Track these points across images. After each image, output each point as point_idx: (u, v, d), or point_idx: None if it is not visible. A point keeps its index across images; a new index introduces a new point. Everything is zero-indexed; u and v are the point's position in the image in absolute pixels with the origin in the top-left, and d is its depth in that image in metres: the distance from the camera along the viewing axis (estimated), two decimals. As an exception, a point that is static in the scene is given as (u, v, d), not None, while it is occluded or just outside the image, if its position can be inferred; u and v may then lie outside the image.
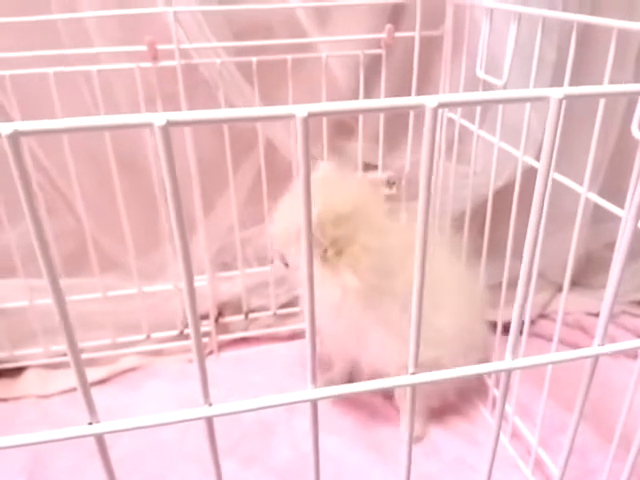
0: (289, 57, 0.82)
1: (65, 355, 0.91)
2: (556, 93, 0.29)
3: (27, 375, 0.90)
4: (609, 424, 0.59)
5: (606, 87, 0.31)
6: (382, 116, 0.87)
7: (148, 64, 0.79)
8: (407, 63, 0.84)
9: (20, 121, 0.25)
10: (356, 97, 0.87)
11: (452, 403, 0.82)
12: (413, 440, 0.38)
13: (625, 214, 0.53)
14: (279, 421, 0.81)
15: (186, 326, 0.95)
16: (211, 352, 0.96)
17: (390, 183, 0.77)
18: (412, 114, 0.87)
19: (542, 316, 1.00)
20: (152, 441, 0.77)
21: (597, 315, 0.99)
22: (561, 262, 0.66)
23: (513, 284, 0.70)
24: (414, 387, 0.35)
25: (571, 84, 0.59)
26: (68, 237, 0.90)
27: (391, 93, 0.86)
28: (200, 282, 0.92)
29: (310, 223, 0.29)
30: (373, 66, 0.87)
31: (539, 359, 0.37)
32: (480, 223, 0.79)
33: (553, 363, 0.38)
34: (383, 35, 0.83)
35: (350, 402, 0.84)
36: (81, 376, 0.30)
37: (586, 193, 0.59)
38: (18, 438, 0.30)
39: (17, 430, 0.32)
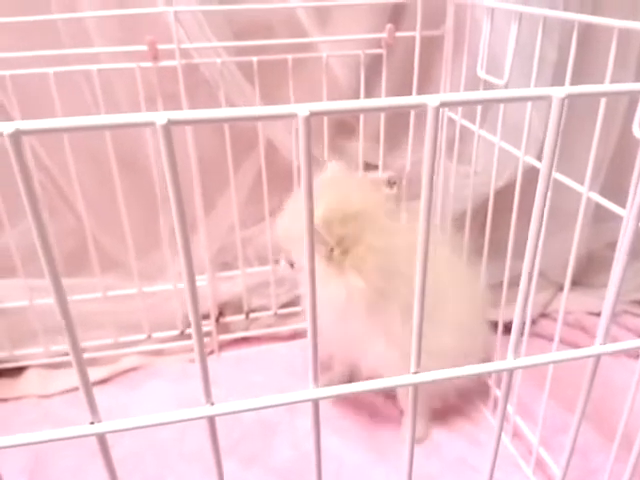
0: (290, 57, 0.82)
1: (65, 355, 0.91)
2: (558, 92, 0.29)
3: (27, 375, 0.90)
4: (611, 424, 0.59)
5: (608, 86, 0.31)
6: (383, 116, 0.87)
7: (149, 64, 0.79)
8: (408, 63, 0.84)
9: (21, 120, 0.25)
10: (357, 97, 0.87)
11: (454, 404, 0.82)
12: (415, 440, 0.38)
13: (626, 213, 0.53)
14: (280, 421, 0.81)
15: (187, 326, 0.95)
16: (212, 352, 0.96)
17: (391, 183, 0.77)
18: (413, 114, 0.87)
19: (543, 315, 1.00)
20: (152, 441, 0.77)
21: (598, 315, 0.99)
22: (562, 261, 0.66)
23: (513, 283, 0.71)
24: (416, 386, 0.35)
25: (572, 84, 0.59)
26: (68, 237, 0.90)
27: (392, 93, 0.86)
28: (201, 282, 0.93)
29: (312, 222, 0.29)
30: (374, 66, 0.87)
31: (541, 358, 0.37)
32: (481, 223, 0.79)
33: (555, 362, 0.38)
34: (384, 35, 0.83)
35: (351, 402, 0.84)
36: (83, 375, 0.30)
37: (587, 193, 0.59)
38: (20, 437, 0.30)
39: (18, 430, 0.32)
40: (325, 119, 0.86)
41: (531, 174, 0.67)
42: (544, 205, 0.32)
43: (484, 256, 0.76)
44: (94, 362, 0.91)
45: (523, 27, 0.66)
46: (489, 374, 0.80)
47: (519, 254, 0.67)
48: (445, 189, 0.88)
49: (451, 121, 0.84)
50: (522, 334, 0.37)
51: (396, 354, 0.64)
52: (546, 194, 0.31)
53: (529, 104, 0.66)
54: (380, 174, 0.90)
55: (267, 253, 0.95)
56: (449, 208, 0.87)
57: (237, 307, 0.99)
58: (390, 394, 0.83)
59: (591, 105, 0.55)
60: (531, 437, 0.73)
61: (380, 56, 0.85)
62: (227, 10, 0.82)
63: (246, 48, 0.82)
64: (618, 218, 0.54)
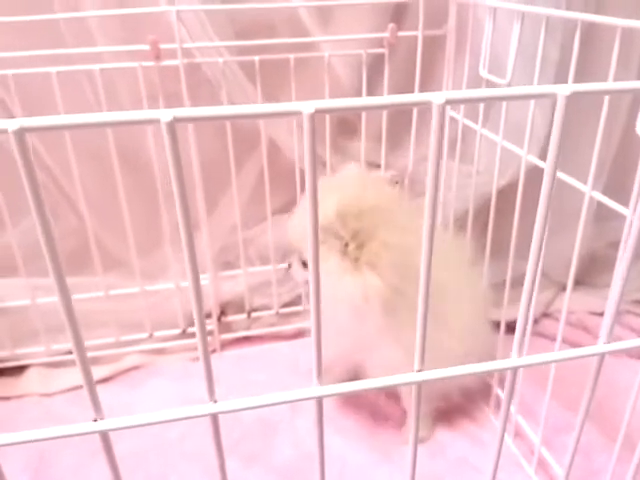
0: (292, 56, 0.82)
1: (67, 354, 0.91)
2: (563, 90, 0.29)
3: (29, 374, 0.90)
4: (613, 424, 0.59)
5: (612, 84, 0.31)
6: (385, 115, 0.87)
7: (151, 63, 0.79)
8: (410, 62, 0.84)
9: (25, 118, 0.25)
10: (359, 96, 0.87)
11: (457, 404, 0.82)
12: (418, 440, 0.38)
13: (630, 213, 0.53)
14: (281, 420, 0.81)
15: (188, 325, 0.95)
16: (214, 351, 0.96)
17: (393, 182, 0.77)
18: (415, 113, 0.87)
19: (545, 315, 1.00)
20: (154, 440, 0.77)
21: (601, 314, 1.00)
22: (564, 261, 0.66)
23: (514, 283, 0.71)
24: (419, 385, 0.35)
25: (575, 83, 0.59)
26: (70, 236, 0.90)
27: (394, 92, 0.86)
28: (203, 281, 0.93)
29: (317, 221, 0.29)
30: (376, 65, 0.87)
31: (545, 357, 0.37)
32: (483, 222, 0.79)
33: (559, 361, 0.38)
34: (386, 34, 0.83)
35: (353, 402, 0.84)
36: (86, 373, 0.30)
37: (590, 192, 0.59)
38: (24, 435, 0.30)
39: (20, 428, 0.31)
40: (327, 119, 0.86)
41: (533, 173, 0.67)
42: (549, 204, 0.32)
43: (486, 256, 0.76)
44: (96, 361, 0.91)
45: (525, 26, 0.66)
46: (491, 374, 0.80)
47: (521, 253, 0.68)
48: (447, 188, 0.88)
49: (453, 120, 0.84)
50: (525, 333, 0.36)
51: (405, 359, 0.64)
52: (551, 192, 0.31)
53: (532, 103, 0.66)
54: (382, 173, 0.89)
55: (269, 253, 0.95)
56: (451, 207, 0.87)
57: (239, 306, 0.99)
58: (393, 393, 0.83)
59: (594, 104, 0.55)
60: (533, 437, 0.72)
61: (382, 56, 0.85)
62: (229, 9, 0.82)
63: (248, 47, 0.82)
64: (621, 217, 0.54)
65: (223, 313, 0.99)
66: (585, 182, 0.59)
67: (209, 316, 0.94)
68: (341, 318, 0.65)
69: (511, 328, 0.72)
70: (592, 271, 0.99)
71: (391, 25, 0.83)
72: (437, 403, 0.78)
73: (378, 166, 0.92)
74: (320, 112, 0.26)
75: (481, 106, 0.76)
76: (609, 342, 0.38)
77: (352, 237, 0.63)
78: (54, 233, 0.26)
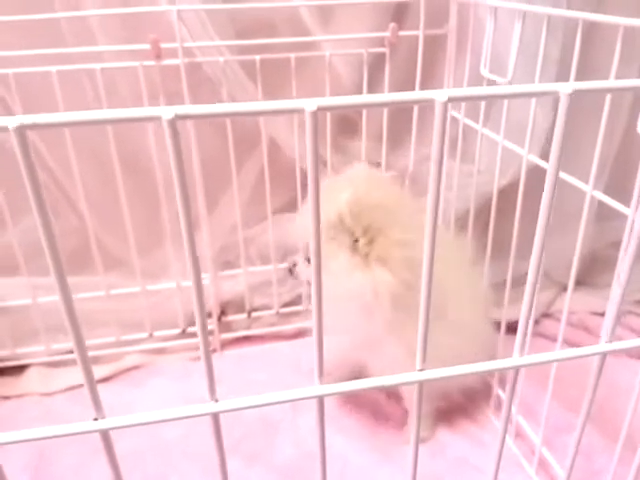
0: (292, 55, 0.82)
1: (67, 353, 0.90)
2: (565, 88, 0.29)
3: (29, 373, 0.90)
4: (614, 425, 0.59)
5: (614, 82, 0.31)
6: (386, 115, 0.87)
7: (152, 62, 0.79)
8: (411, 62, 0.84)
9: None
10: (360, 95, 0.87)
11: (457, 404, 0.82)
12: (419, 440, 0.38)
13: (631, 212, 0.52)
14: (282, 419, 0.81)
15: (188, 324, 0.95)
16: (214, 350, 0.96)
17: (398, 180, 0.77)
18: (416, 113, 0.87)
19: (546, 315, 1.00)
20: (154, 440, 0.77)
21: (602, 314, 0.99)
22: (565, 261, 0.66)
23: (514, 283, 0.71)
24: (421, 384, 0.34)
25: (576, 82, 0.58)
26: (71, 235, 0.90)
27: (395, 92, 0.86)
28: (203, 280, 0.92)
29: (319, 218, 0.29)
30: (377, 65, 0.87)
31: (546, 356, 0.37)
32: (484, 222, 0.79)
33: (561, 360, 0.37)
34: (387, 34, 0.83)
35: (355, 402, 0.84)
36: (87, 372, 0.29)
37: (591, 191, 0.58)
38: (25, 433, 0.30)
39: (20, 427, 0.31)
40: (328, 118, 0.86)
41: (534, 173, 0.67)
42: (552, 202, 0.31)
43: (487, 255, 0.76)
44: (96, 360, 0.91)
45: (526, 25, 0.66)
46: (492, 374, 0.80)
47: (521, 253, 0.68)
48: (448, 188, 0.88)
49: (454, 120, 0.84)
50: (526, 333, 0.36)
51: (410, 353, 0.64)
52: (554, 190, 0.31)
53: (533, 103, 0.66)
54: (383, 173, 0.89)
55: (269, 252, 0.95)
56: (452, 207, 0.87)
57: (239, 306, 0.99)
58: (394, 393, 0.83)
59: (595, 103, 0.55)
60: (534, 437, 0.72)
61: (383, 55, 0.85)
62: (230, 9, 0.82)
63: (249, 47, 0.82)
64: (622, 217, 0.54)
65: (223, 313, 0.98)
66: (586, 181, 0.59)
67: (209, 316, 0.94)
68: (349, 315, 0.65)
69: (511, 328, 0.72)
70: (593, 271, 0.99)
71: (392, 24, 0.83)
72: (438, 403, 0.78)
73: (378, 165, 0.92)
74: (322, 109, 0.26)
75: (482, 105, 0.76)
76: (611, 341, 0.38)
77: (363, 232, 0.63)
78: (55, 231, 0.26)
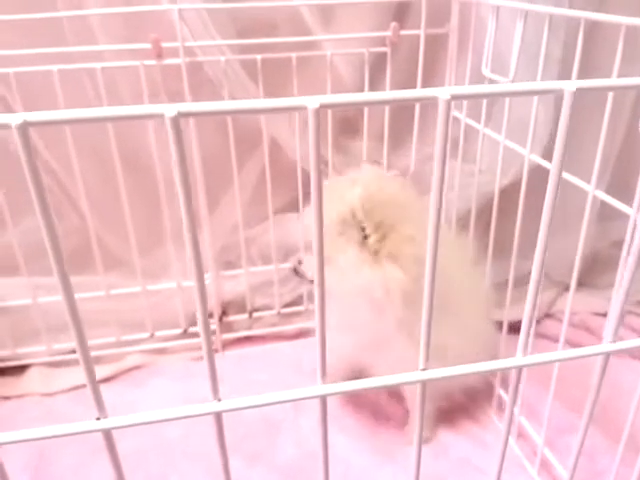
0: (294, 55, 0.82)
1: (68, 353, 0.90)
2: (570, 86, 0.28)
3: (30, 373, 0.90)
4: (617, 425, 0.59)
5: (618, 80, 0.31)
6: (387, 115, 0.87)
7: (153, 62, 0.79)
8: (412, 61, 0.84)
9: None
10: (361, 95, 0.87)
11: (459, 404, 0.82)
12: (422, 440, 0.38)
13: (634, 212, 0.52)
14: (284, 419, 0.81)
15: (190, 324, 0.95)
16: (215, 350, 0.96)
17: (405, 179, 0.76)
18: (417, 113, 0.87)
19: (547, 316, 1.00)
20: (155, 440, 0.77)
21: (603, 315, 0.99)
22: (566, 261, 0.66)
23: (515, 283, 0.70)
24: (424, 383, 0.34)
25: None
26: (72, 235, 0.90)
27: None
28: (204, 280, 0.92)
29: (322, 217, 0.29)
30: (378, 64, 0.87)
31: (550, 356, 0.37)
32: (485, 222, 0.79)
33: (564, 360, 0.37)
34: (388, 33, 0.83)
35: (355, 401, 0.84)
36: (90, 371, 0.29)
37: (594, 191, 0.58)
38: (28, 433, 0.30)
39: (20, 428, 0.31)
40: (330, 118, 0.86)
41: (536, 172, 0.66)
42: (555, 201, 0.31)
43: (489, 255, 0.76)
44: (97, 360, 0.91)
45: (528, 24, 0.65)
46: (494, 374, 0.80)
47: (522, 253, 0.67)
48: (449, 188, 0.88)
49: (455, 120, 0.84)
50: (529, 332, 0.36)
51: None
52: (557, 189, 0.31)
53: (535, 102, 0.66)
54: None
55: (271, 252, 0.95)
56: (453, 207, 0.87)
57: (240, 306, 0.99)
58: (395, 393, 0.83)
59: (596, 102, 0.55)
60: (536, 438, 0.72)
61: (384, 54, 0.85)
62: (231, 8, 0.82)
63: (250, 46, 0.82)
64: (624, 216, 0.54)
65: (225, 313, 0.98)
66: (588, 181, 0.59)
67: (210, 316, 0.94)
68: (357, 312, 0.65)
69: (512, 328, 0.72)
70: (594, 271, 0.99)
71: (393, 24, 0.82)
72: (440, 403, 0.78)
73: (379, 164, 0.92)
74: (325, 107, 0.26)
75: (484, 105, 0.76)
76: (614, 342, 0.38)
77: (375, 229, 0.62)
78: (57, 229, 0.26)
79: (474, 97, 0.26)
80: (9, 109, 0.81)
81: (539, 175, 0.65)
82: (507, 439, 0.39)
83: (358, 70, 0.87)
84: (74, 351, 0.29)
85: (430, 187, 0.30)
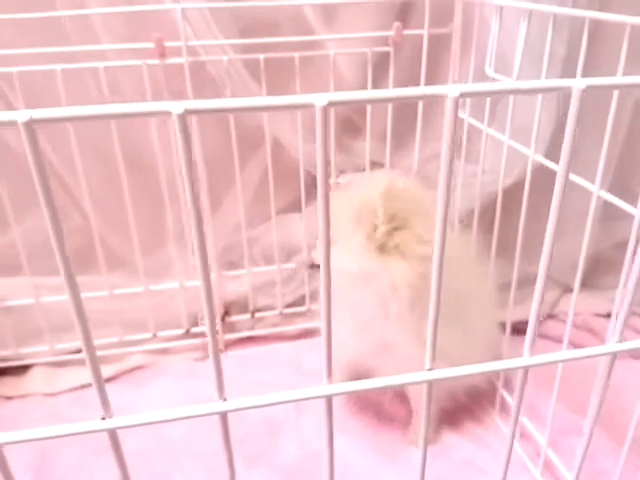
0: (296, 55, 0.82)
1: (71, 353, 0.89)
2: (578, 83, 0.28)
3: (32, 373, 0.90)
4: (619, 427, 0.58)
5: (626, 78, 0.31)
6: (390, 115, 0.87)
7: (155, 61, 0.79)
8: (415, 61, 0.84)
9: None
10: (364, 95, 0.87)
11: (462, 405, 0.81)
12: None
13: (638, 212, 0.52)
14: (286, 419, 0.81)
15: (192, 325, 0.95)
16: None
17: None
18: (420, 112, 0.87)
19: (549, 317, 1.00)
20: (159, 440, 0.77)
21: (606, 316, 0.98)
22: (568, 262, 0.66)
23: (518, 283, 0.70)
24: (430, 384, 0.34)
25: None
26: (75, 235, 0.90)
27: (399, 91, 0.86)
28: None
29: (328, 216, 0.29)
30: (381, 64, 0.86)
31: (556, 356, 0.36)
32: (489, 222, 0.78)
33: (570, 360, 0.37)
34: (391, 33, 0.83)
35: (358, 402, 0.83)
36: (95, 371, 0.29)
37: (598, 191, 0.58)
38: (31, 432, 0.30)
39: (23, 428, 0.31)
40: (332, 118, 0.86)
41: (539, 172, 0.66)
42: (561, 201, 0.31)
43: (492, 256, 0.76)
44: (100, 360, 0.90)
45: (532, 24, 0.65)
46: (497, 375, 0.80)
47: (525, 253, 0.67)
48: (453, 188, 0.88)
49: (459, 120, 0.83)
50: (535, 332, 0.36)
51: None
52: (564, 188, 0.30)
53: (539, 102, 0.66)
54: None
55: (273, 252, 0.95)
56: (457, 207, 0.86)
57: (243, 306, 0.99)
58: (399, 393, 0.83)
59: (599, 101, 0.55)
60: (539, 439, 0.72)
61: (387, 54, 0.85)
62: (234, 7, 0.82)
63: (253, 46, 0.82)
64: (628, 216, 0.54)
65: (227, 313, 0.98)
66: (591, 181, 0.59)
67: (213, 316, 0.94)
68: (363, 310, 0.65)
69: (515, 329, 0.72)
70: (596, 272, 0.99)
71: (396, 23, 0.82)
72: (443, 403, 0.78)
73: (382, 166, 0.92)
74: (333, 104, 0.26)
75: (487, 105, 0.76)
76: (620, 342, 0.38)
77: (389, 219, 0.62)
78: (62, 226, 0.26)
79: (483, 95, 0.26)
80: (11, 108, 0.81)
81: (542, 175, 0.65)
82: (512, 442, 0.39)
83: (361, 70, 0.87)
84: (77, 351, 0.29)
85: (432, 186, 0.29)
